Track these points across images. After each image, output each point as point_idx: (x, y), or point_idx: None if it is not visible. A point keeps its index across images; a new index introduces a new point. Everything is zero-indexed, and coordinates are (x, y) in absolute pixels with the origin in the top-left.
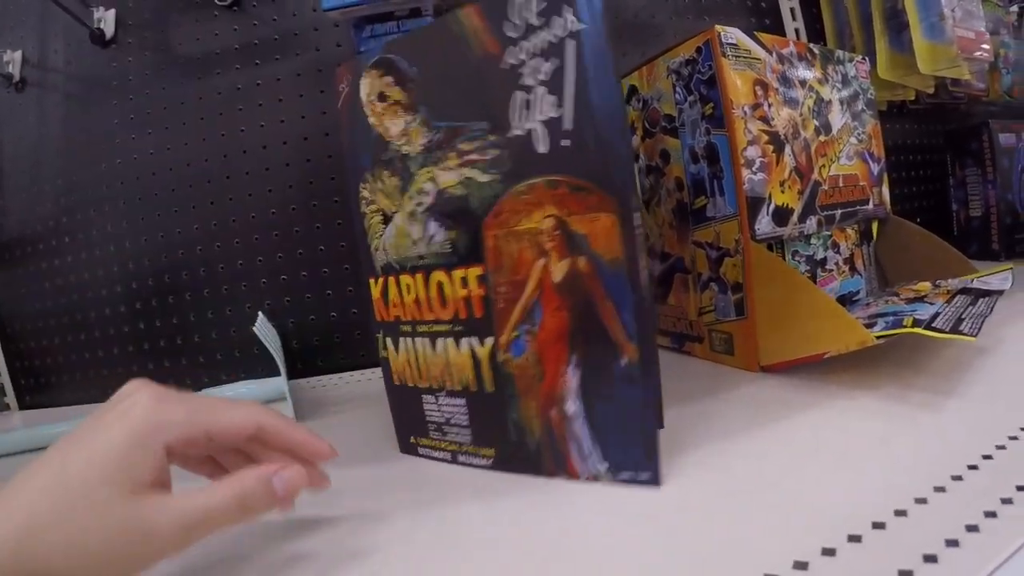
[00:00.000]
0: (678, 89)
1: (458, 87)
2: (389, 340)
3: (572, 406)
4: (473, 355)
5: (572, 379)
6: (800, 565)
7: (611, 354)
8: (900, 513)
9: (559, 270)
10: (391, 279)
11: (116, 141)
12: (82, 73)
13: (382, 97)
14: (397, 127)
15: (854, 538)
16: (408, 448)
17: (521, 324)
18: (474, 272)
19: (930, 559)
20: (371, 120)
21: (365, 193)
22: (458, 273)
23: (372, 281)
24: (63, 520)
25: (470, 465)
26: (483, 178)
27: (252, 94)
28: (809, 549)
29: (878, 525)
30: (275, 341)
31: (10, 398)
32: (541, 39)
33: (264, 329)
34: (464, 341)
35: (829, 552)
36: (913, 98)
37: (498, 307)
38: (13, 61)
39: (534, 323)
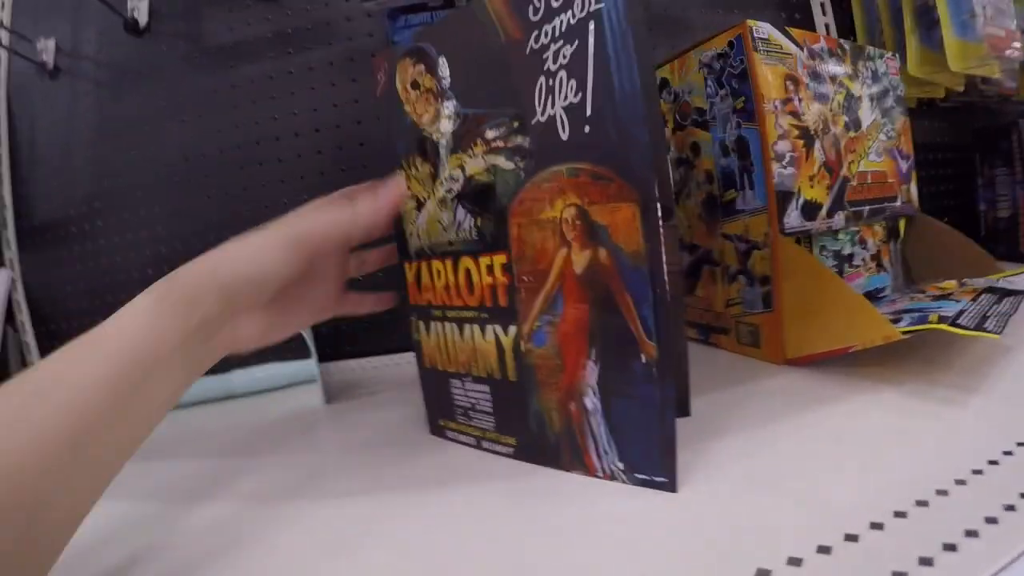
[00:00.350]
0: (709, 82)
1: (484, 73)
2: (421, 324)
3: (591, 401)
4: (497, 343)
5: (591, 374)
6: (824, 549)
7: (630, 351)
8: (921, 503)
9: (580, 261)
10: (423, 264)
11: (148, 128)
12: (115, 61)
13: (415, 85)
14: (429, 114)
15: (876, 525)
16: (437, 430)
17: (543, 315)
18: (499, 260)
19: (950, 548)
20: (406, 108)
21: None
22: (484, 260)
23: (407, 265)
24: (244, 246)
25: (493, 452)
26: (507, 165)
27: (284, 83)
28: (832, 535)
29: (900, 514)
30: None
31: None
32: (562, 21)
33: None
34: (489, 328)
35: (852, 538)
36: (943, 96)
37: (521, 296)
38: (47, 49)
39: (556, 314)
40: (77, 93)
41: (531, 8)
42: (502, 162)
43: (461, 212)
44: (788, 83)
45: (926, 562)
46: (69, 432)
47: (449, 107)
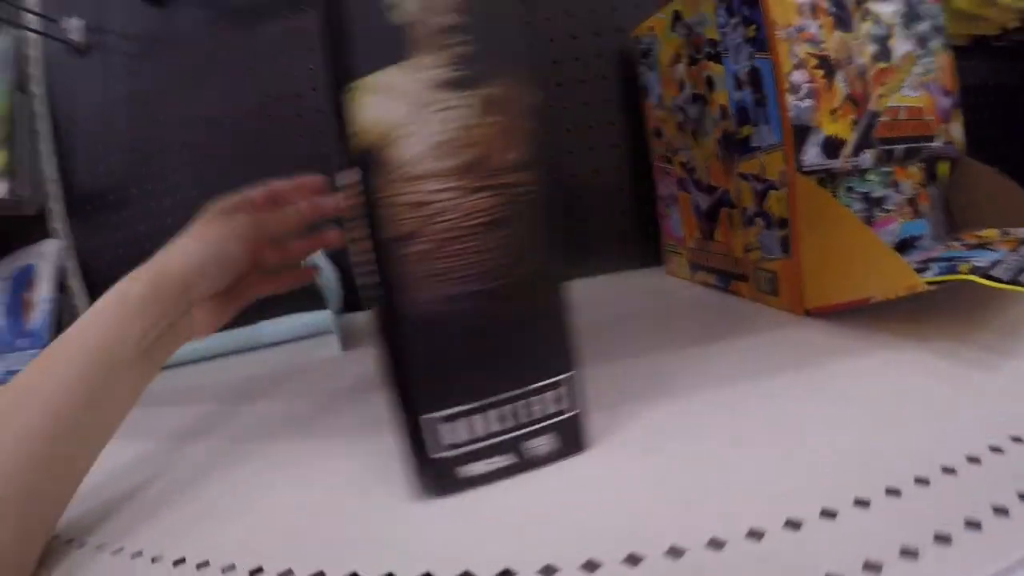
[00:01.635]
0: (721, 11)
1: None
2: None
3: None
4: None
5: None
6: (828, 514)
7: None
8: (948, 471)
9: None
10: None
11: (174, 95)
12: (139, 34)
13: None
14: None
15: (892, 491)
16: None
17: None
18: None
19: (973, 526)
20: None
21: None
22: None
23: None
24: (180, 243)
25: None
26: None
27: (302, 39)
28: (840, 498)
29: (921, 481)
30: (331, 276)
31: None
32: None
33: (321, 262)
34: None
35: (863, 503)
36: (996, 34)
37: None
38: (75, 28)
39: None
40: (108, 67)
41: None
42: None
43: None
44: (804, 7)
45: (943, 539)
46: (48, 432)
47: None
